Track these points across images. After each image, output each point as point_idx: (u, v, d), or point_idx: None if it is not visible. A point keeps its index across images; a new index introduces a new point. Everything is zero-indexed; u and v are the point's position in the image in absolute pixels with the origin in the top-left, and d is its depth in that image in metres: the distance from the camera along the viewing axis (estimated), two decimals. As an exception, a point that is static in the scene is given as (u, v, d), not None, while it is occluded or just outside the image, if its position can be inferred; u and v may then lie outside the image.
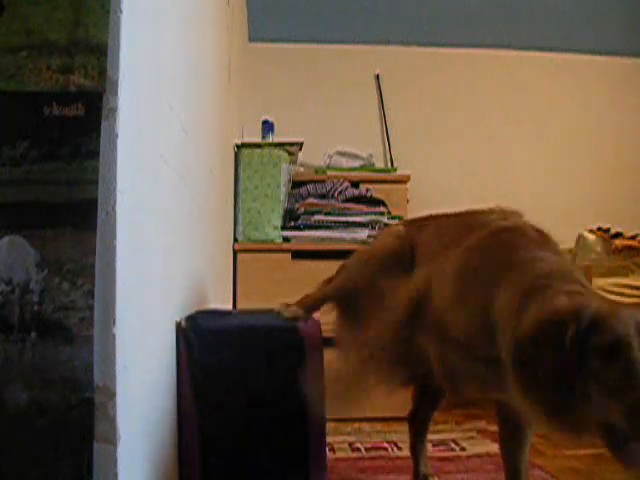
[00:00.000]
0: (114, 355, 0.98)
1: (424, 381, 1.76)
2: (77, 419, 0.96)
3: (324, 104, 3.88)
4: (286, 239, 3.05)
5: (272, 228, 3.03)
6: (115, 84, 0.99)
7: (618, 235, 3.07)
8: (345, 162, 3.52)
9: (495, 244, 1.37)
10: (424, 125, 3.93)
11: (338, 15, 3.77)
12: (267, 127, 3.38)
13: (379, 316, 1.57)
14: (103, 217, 0.98)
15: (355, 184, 3.26)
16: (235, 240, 3.02)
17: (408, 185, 3.43)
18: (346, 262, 1.82)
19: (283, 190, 3.08)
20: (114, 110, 0.99)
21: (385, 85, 3.94)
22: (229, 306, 2.80)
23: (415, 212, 3.54)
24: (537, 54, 4.00)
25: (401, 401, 2.62)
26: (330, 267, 2.89)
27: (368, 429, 2.64)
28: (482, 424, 2.64)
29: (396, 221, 3.10)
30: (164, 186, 1.37)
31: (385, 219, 3.08)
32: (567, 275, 1.25)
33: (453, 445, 2.34)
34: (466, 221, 1.54)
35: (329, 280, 1.81)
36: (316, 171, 3.45)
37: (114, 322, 0.98)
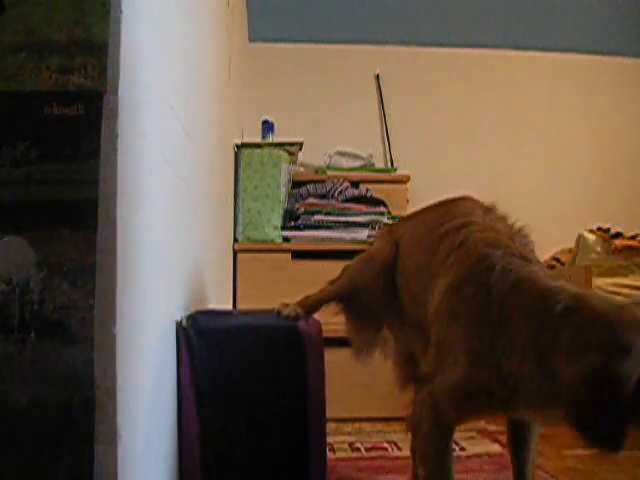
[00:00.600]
0: (114, 355, 0.98)
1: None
2: (77, 419, 0.96)
3: (324, 104, 3.88)
4: (286, 239, 3.05)
5: (272, 228, 3.03)
6: (115, 84, 0.99)
7: (618, 235, 3.07)
8: (345, 162, 3.52)
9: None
10: (424, 125, 3.93)
11: (338, 15, 3.77)
12: (267, 127, 3.38)
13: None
14: (103, 217, 0.98)
15: (355, 184, 3.26)
16: (235, 240, 3.02)
17: (408, 185, 3.43)
18: (349, 264, 1.83)
19: (283, 190, 3.08)
20: (114, 110, 0.99)
21: (385, 85, 3.94)
22: (229, 306, 2.80)
23: (415, 212, 3.55)
24: (537, 54, 4.00)
25: (401, 401, 2.63)
26: (330, 267, 2.89)
27: (368, 429, 2.65)
28: (482, 424, 2.64)
29: (396, 221, 3.11)
30: (164, 186, 1.37)
31: (385, 219, 3.08)
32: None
33: (453, 445, 2.34)
34: (436, 217, 1.57)
35: (333, 281, 1.81)
36: (316, 171, 3.45)
37: (114, 322, 0.98)
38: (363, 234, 3.03)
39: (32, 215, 0.98)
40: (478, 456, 2.21)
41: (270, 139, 3.33)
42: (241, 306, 2.89)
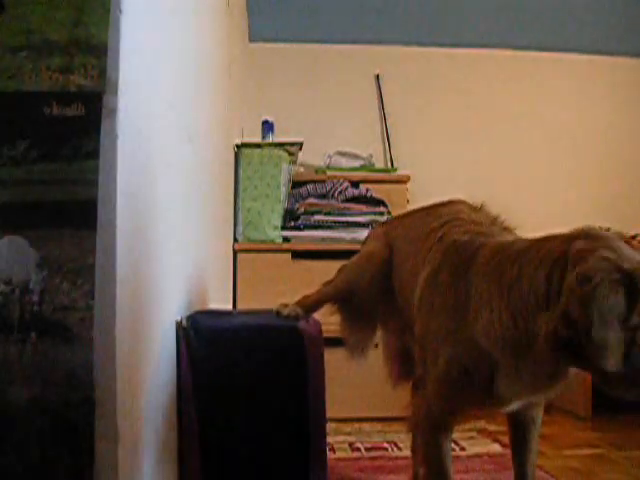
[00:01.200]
0: (114, 355, 0.98)
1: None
2: (77, 419, 0.96)
3: (324, 104, 3.88)
4: (286, 239, 3.05)
5: (272, 228, 3.03)
6: (115, 84, 0.99)
7: (618, 235, 3.07)
8: (345, 162, 3.52)
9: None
10: (424, 125, 3.93)
11: (338, 15, 3.77)
12: (267, 127, 3.38)
13: None
14: (103, 217, 0.98)
15: (355, 184, 3.26)
16: (235, 240, 3.02)
17: (408, 185, 3.43)
18: (346, 264, 1.84)
19: (283, 190, 3.08)
20: (114, 110, 0.99)
21: (385, 85, 3.94)
22: (229, 306, 2.80)
23: (415, 212, 3.55)
24: (537, 54, 4.00)
25: (401, 401, 2.63)
26: (330, 267, 2.89)
27: (368, 429, 2.64)
28: (482, 424, 2.64)
29: (389, 220, 3.11)
30: (164, 186, 1.37)
31: (385, 219, 3.08)
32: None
33: (453, 445, 2.34)
34: (425, 219, 1.59)
35: (328, 282, 1.82)
36: (316, 171, 3.45)
37: (114, 322, 0.98)
38: (363, 234, 3.02)
39: (32, 215, 0.98)
40: (478, 456, 2.21)
41: (270, 139, 3.33)
42: (241, 306, 2.89)
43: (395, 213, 3.15)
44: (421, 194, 3.70)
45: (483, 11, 3.76)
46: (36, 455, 0.95)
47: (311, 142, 3.36)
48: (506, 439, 2.41)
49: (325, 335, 1.68)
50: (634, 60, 4.07)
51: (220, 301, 2.37)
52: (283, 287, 2.83)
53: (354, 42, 3.91)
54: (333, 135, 3.76)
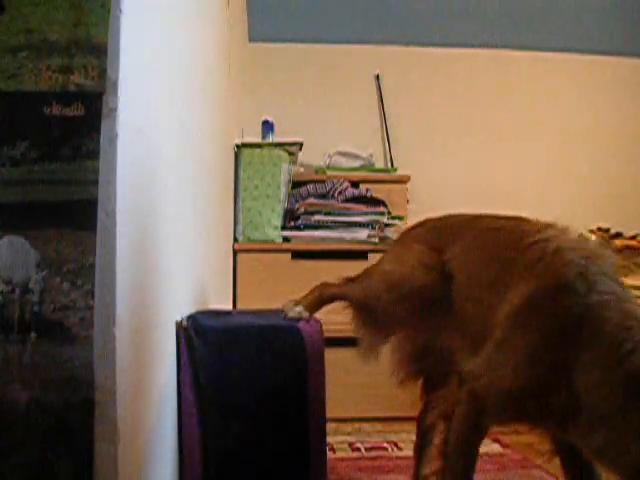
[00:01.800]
0: (114, 355, 0.98)
1: (433, 380, 1.77)
2: (77, 419, 0.96)
3: (324, 104, 3.88)
4: (286, 239, 3.05)
5: (272, 228, 3.03)
6: (115, 84, 0.99)
7: (618, 235, 3.07)
8: (345, 162, 3.52)
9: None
10: (424, 125, 3.93)
11: (338, 15, 3.77)
12: (267, 127, 3.38)
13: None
14: (103, 217, 0.98)
15: (355, 184, 3.26)
16: (235, 240, 3.02)
17: (408, 185, 3.43)
18: (371, 270, 1.73)
19: (283, 190, 3.08)
20: (114, 110, 0.99)
21: (385, 85, 3.94)
22: (229, 306, 2.80)
23: (415, 212, 3.55)
24: (537, 54, 4.00)
25: (401, 401, 2.63)
26: (330, 267, 2.91)
27: (368, 429, 2.64)
28: (482, 424, 2.64)
29: (397, 221, 3.11)
30: (164, 186, 1.37)
31: (385, 219, 3.08)
32: None
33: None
34: (504, 251, 1.44)
35: (351, 279, 1.75)
36: (316, 171, 3.45)
37: (114, 322, 0.98)
38: (363, 234, 3.03)
39: (32, 215, 0.98)
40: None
41: (270, 139, 3.32)
42: (241, 306, 2.89)
43: (395, 213, 3.16)
44: (421, 194, 3.71)
45: (483, 11, 3.76)
46: (36, 455, 0.95)
47: (311, 142, 3.36)
48: (506, 439, 2.42)
49: (325, 335, 1.68)
50: (634, 60, 4.06)
51: (220, 301, 2.37)
52: (283, 287, 2.82)
53: (354, 42, 3.91)
54: (333, 135, 3.76)
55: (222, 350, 1.51)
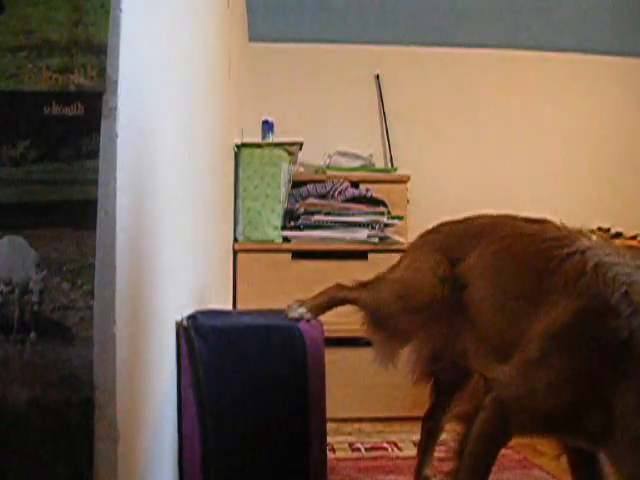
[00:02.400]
0: (114, 355, 0.98)
1: (444, 381, 1.76)
2: (77, 419, 0.96)
3: (324, 104, 3.88)
4: (286, 239, 3.05)
5: (272, 228, 3.03)
6: (115, 84, 0.99)
7: (618, 235, 3.07)
8: (345, 162, 3.52)
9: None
10: (424, 125, 3.93)
11: (338, 15, 3.77)
12: (267, 127, 3.38)
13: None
14: (103, 217, 0.98)
15: (355, 184, 3.26)
16: (235, 240, 3.02)
17: (408, 185, 3.44)
18: (384, 276, 1.71)
19: (283, 190, 3.08)
20: (114, 110, 0.99)
21: (385, 85, 3.94)
22: (229, 306, 2.80)
23: (415, 212, 3.56)
24: (537, 54, 4.00)
25: (401, 401, 2.63)
26: (330, 267, 2.91)
27: (368, 429, 2.64)
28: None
29: (397, 221, 3.11)
30: (164, 186, 1.37)
31: (385, 219, 3.08)
32: None
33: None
34: (536, 261, 1.39)
35: (364, 283, 1.72)
36: (316, 171, 3.45)
37: (114, 322, 0.98)
38: (363, 234, 3.03)
39: (32, 215, 0.98)
40: (478, 456, 2.20)
41: (270, 139, 3.32)
42: (241, 306, 2.89)
43: (395, 213, 3.16)
44: (421, 194, 3.71)
45: (483, 11, 3.76)
46: (36, 455, 0.95)
47: (311, 142, 3.36)
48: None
49: (325, 335, 1.68)
50: (635, 60, 4.06)
51: (220, 301, 2.37)
52: (283, 287, 2.83)
53: (354, 42, 3.91)
54: (333, 135, 3.76)
55: (222, 350, 1.51)
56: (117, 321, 0.98)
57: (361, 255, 2.99)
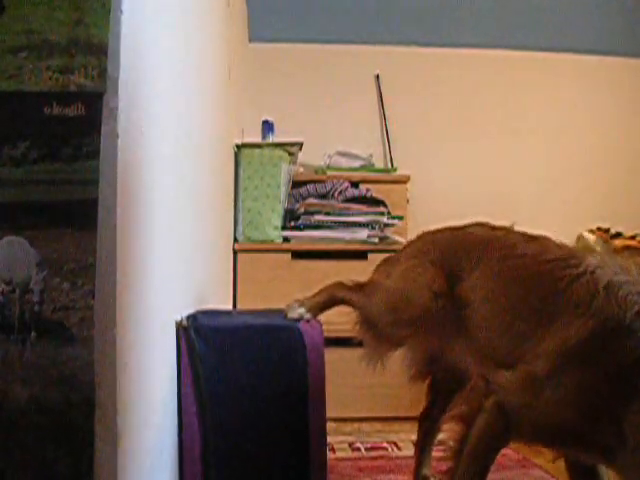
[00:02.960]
0: (114, 355, 0.98)
1: (440, 381, 1.77)
2: (77, 419, 0.96)
3: (324, 104, 3.88)
4: (286, 239, 3.05)
5: (272, 228, 3.03)
6: (115, 84, 0.99)
7: (618, 235, 3.07)
8: (345, 162, 3.52)
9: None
10: (424, 125, 3.93)
11: (338, 15, 3.77)
12: (267, 127, 3.38)
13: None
14: (103, 217, 0.98)
15: (355, 184, 3.26)
16: (235, 240, 3.02)
17: (408, 185, 3.43)
18: (378, 282, 1.70)
19: (283, 190, 3.08)
20: (115, 110, 0.99)
21: (385, 85, 3.94)
22: (229, 306, 2.80)
23: (415, 212, 3.56)
24: (537, 54, 4.00)
25: (401, 401, 2.63)
26: (330, 267, 2.91)
27: (368, 429, 2.64)
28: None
29: (396, 221, 3.11)
30: (164, 186, 1.37)
31: (385, 219, 3.08)
32: None
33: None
34: (543, 282, 1.39)
35: (361, 285, 1.72)
36: (316, 171, 3.45)
37: (114, 322, 0.98)
38: (363, 234, 3.03)
39: (32, 215, 0.98)
40: (478, 456, 2.20)
41: (270, 139, 3.32)
42: (241, 306, 2.89)
43: (395, 213, 3.16)
44: (421, 194, 3.71)
45: (483, 11, 3.76)
46: (36, 455, 0.95)
47: (311, 142, 3.35)
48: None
49: (325, 335, 1.68)
50: (634, 60, 4.07)
51: (220, 301, 2.37)
52: (283, 287, 2.83)
53: (354, 42, 3.91)
54: (333, 135, 3.76)
55: (222, 350, 1.51)
56: (117, 321, 0.98)
57: (361, 255, 2.99)
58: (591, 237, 3.02)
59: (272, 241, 3.03)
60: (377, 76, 3.95)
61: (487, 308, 1.47)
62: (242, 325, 1.60)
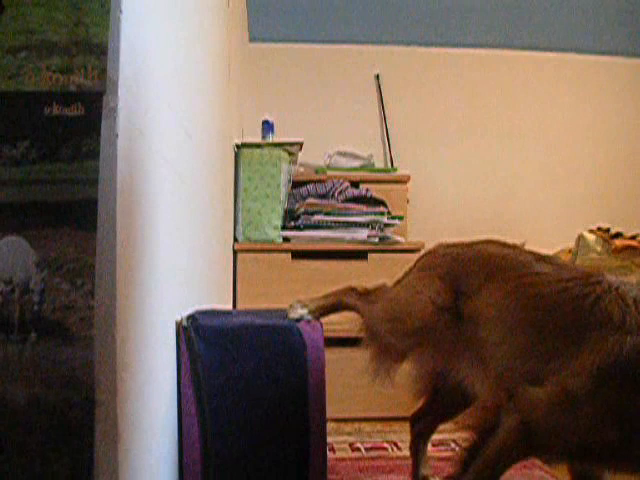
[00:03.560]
0: (114, 355, 0.98)
1: (440, 394, 1.75)
2: (77, 419, 0.96)
3: (324, 104, 3.88)
4: (286, 239, 3.05)
5: (272, 228, 3.03)
6: (115, 84, 0.99)
7: (618, 235, 3.07)
8: (345, 162, 3.52)
9: None
10: (424, 125, 3.93)
11: (338, 15, 3.77)
12: (267, 127, 3.38)
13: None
14: (103, 217, 0.98)
15: (355, 184, 3.26)
16: (235, 240, 3.02)
17: (408, 185, 3.44)
18: (384, 293, 1.69)
19: (283, 190, 3.08)
20: (114, 110, 0.99)
21: (385, 85, 3.94)
22: (229, 306, 2.80)
23: (415, 212, 3.56)
24: (537, 54, 4.00)
25: (401, 401, 2.63)
26: (330, 267, 2.91)
27: (368, 429, 2.64)
28: (482, 424, 2.64)
29: (397, 221, 3.11)
30: (164, 186, 1.37)
31: (385, 219, 3.08)
32: None
33: (453, 445, 2.34)
34: (566, 300, 1.38)
35: (367, 292, 1.71)
36: (316, 171, 3.45)
37: (114, 322, 0.98)
38: (363, 234, 3.03)
39: (32, 215, 0.98)
40: (478, 456, 2.20)
41: (270, 139, 3.33)
42: (241, 306, 2.89)
43: (395, 213, 3.16)
44: (421, 194, 3.71)
45: (483, 11, 3.76)
46: (36, 455, 0.95)
47: (311, 142, 3.36)
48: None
49: (325, 335, 1.68)
50: (634, 60, 4.07)
51: (220, 301, 2.37)
52: (283, 287, 2.83)
53: (354, 42, 3.92)
54: (333, 135, 3.76)
55: (222, 350, 1.51)
56: (117, 321, 0.98)
57: (361, 255, 2.99)
58: (591, 237, 3.02)
59: (272, 241, 3.03)
60: (377, 76, 3.95)
61: (501, 327, 1.44)
62: (242, 325, 1.60)
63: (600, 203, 3.87)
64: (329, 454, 2.09)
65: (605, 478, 1.43)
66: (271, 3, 3.69)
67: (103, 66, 0.99)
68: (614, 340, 1.26)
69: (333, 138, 3.70)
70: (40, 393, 0.95)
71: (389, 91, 3.94)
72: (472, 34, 3.91)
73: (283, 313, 1.68)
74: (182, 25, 1.61)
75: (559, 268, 1.45)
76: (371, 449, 2.33)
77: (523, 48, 3.98)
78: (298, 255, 3.00)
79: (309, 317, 1.66)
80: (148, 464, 1.21)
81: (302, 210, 3.06)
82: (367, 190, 3.20)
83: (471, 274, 1.53)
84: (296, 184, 3.22)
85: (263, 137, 3.35)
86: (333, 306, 1.73)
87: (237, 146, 3.10)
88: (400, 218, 3.15)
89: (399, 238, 3.06)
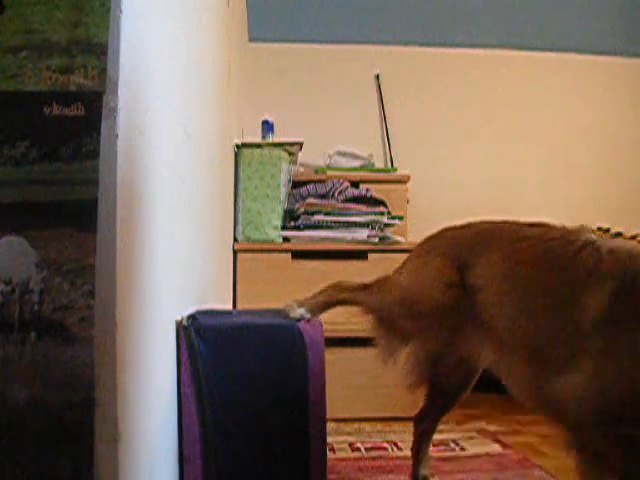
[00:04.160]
0: (114, 355, 0.98)
1: (439, 383, 1.77)
2: (77, 419, 0.96)
3: (324, 104, 3.88)
4: (286, 239, 3.05)
5: (272, 228, 3.03)
6: (115, 84, 0.99)
7: (618, 235, 3.07)
8: (345, 162, 3.52)
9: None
10: (424, 125, 3.93)
11: (338, 15, 3.77)
12: (267, 127, 3.38)
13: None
14: (103, 217, 0.98)
15: (355, 184, 3.26)
16: (235, 240, 3.02)
17: (408, 185, 3.44)
18: (387, 280, 1.71)
19: (283, 190, 3.08)
20: (114, 110, 0.99)
21: (385, 85, 3.94)
22: (229, 306, 2.80)
23: (415, 212, 3.56)
24: (537, 54, 4.00)
25: (401, 401, 2.63)
26: (330, 267, 2.91)
27: (368, 429, 2.64)
28: (482, 424, 2.64)
29: (397, 221, 3.11)
30: (164, 186, 1.37)
31: (385, 219, 3.08)
32: None
33: (453, 445, 2.34)
34: (548, 259, 1.46)
35: (365, 286, 1.73)
36: (316, 171, 3.45)
37: (114, 322, 0.98)
38: (363, 234, 3.03)
39: (32, 215, 0.98)
40: (478, 456, 2.21)
41: (270, 139, 3.32)
42: (241, 306, 2.89)
43: (395, 213, 3.16)
44: (421, 194, 3.71)
45: (483, 11, 3.76)
46: (36, 455, 0.95)
47: (311, 142, 3.36)
48: (506, 439, 2.42)
49: (325, 335, 1.68)
50: (634, 60, 4.07)
51: (220, 301, 2.37)
52: (283, 287, 2.83)
53: (354, 42, 3.92)
54: (333, 135, 3.76)
55: (222, 350, 1.51)
56: (117, 321, 0.98)
57: (361, 255, 2.99)
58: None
59: (272, 241, 3.03)
60: (377, 76, 3.95)
61: (499, 292, 1.51)
62: (242, 325, 1.60)
63: (600, 203, 3.87)
64: (329, 454, 2.09)
65: None
66: (271, 3, 3.69)
67: (103, 66, 0.99)
68: (595, 291, 1.32)
69: (333, 138, 3.70)
70: (40, 393, 0.95)
71: (389, 91, 3.94)
72: (472, 34, 3.91)
73: (283, 313, 1.68)
74: (182, 25, 1.61)
75: (546, 230, 1.53)
76: (371, 449, 2.33)
77: (523, 48, 3.98)
78: (298, 255, 3.00)
79: (308, 316, 1.67)
80: (148, 464, 1.21)
81: (302, 210, 3.06)
82: (367, 190, 3.20)
83: (470, 248, 1.60)
84: (296, 184, 3.22)
85: (263, 137, 3.35)
86: (328, 302, 1.74)
87: (237, 146, 3.10)
88: (400, 218, 3.15)
89: (399, 238, 3.06)
